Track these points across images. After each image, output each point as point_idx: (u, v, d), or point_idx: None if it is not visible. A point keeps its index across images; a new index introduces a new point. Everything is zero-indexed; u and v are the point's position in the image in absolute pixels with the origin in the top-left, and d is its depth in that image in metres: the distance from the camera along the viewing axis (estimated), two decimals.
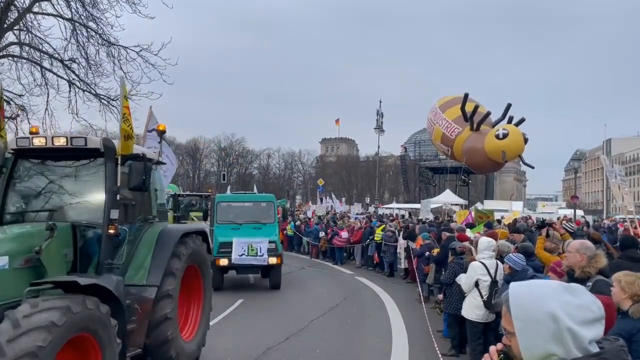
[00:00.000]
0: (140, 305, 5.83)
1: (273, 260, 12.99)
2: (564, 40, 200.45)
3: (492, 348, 1.79)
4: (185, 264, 6.54)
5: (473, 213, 16.74)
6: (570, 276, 4.73)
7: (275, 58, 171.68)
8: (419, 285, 12.73)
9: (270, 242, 13.03)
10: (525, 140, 32.12)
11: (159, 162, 7.42)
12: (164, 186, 9.16)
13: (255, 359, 7.71)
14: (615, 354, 1.55)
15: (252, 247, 12.73)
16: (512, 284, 1.68)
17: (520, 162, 40.11)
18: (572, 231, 10.95)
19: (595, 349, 1.55)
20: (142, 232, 6.31)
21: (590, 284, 4.44)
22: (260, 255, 12.70)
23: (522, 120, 33.50)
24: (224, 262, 12.73)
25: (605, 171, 12.88)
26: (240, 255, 12.67)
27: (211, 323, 9.87)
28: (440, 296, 9.10)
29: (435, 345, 7.66)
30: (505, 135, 30.94)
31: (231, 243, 12.77)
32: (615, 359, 1.54)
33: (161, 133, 8.87)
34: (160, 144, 9.14)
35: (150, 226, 6.47)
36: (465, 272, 7.34)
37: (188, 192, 32.38)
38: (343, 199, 47.65)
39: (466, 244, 8.59)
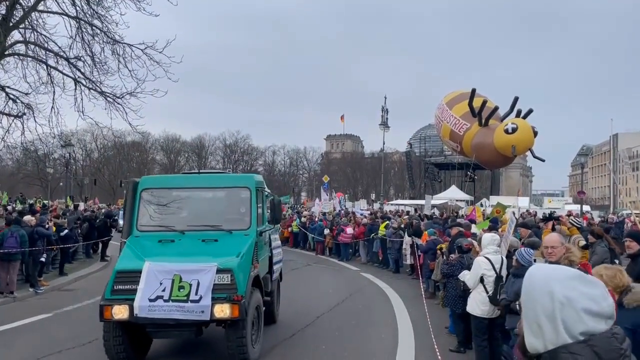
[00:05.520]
0: None
1: (222, 311, 6.43)
2: (569, 34, 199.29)
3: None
4: None
5: (490, 207, 16.65)
6: None
7: (280, 55, 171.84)
8: (421, 281, 12.74)
9: (221, 270, 6.55)
10: (535, 134, 31.98)
11: None
12: None
13: (263, 356, 7.71)
14: (606, 341, 1.54)
15: (180, 281, 6.46)
16: (534, 265, 1.74)
17: (528, 157, 39.98)
18: (579, 226, 10.94)
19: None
20: None
21: None
22: (194, 300, 6.36)
23: (530, 112, 33.31)
24: (120, 312, 6.47)
25: (622, 164, 12.83)
26: (154, 300, 6.39)
27: None
28: (441, 293, 9.11)
29: (441, 341, 7.66)
30: (514, 130, 30.79)
31: (140, 272, 6.56)
32: (605, 346, 1.53)
33: None
34: None
35: None
36: (467, 269, 7.35)
37: None
38: (346, 195, 47.50)
39: (471, 239, 8.59)
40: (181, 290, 6.45)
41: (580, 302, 1.54)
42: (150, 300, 6.40)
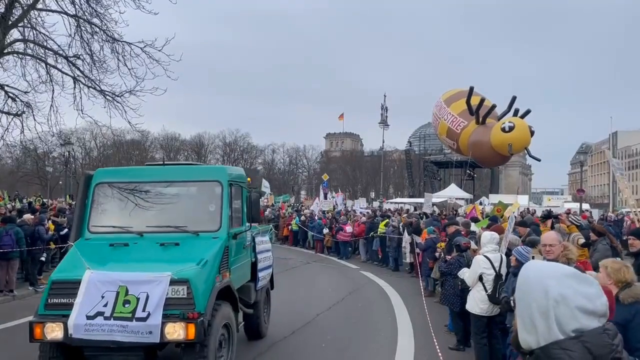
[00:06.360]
0: None
1: (175, 332, 5.37)
2: (569, 32, 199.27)
3: None
4: None
5: (489, 206, 16.69)
6: None
7: (279, 53, 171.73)
8: (420, 279, 12.74)
9: (175, 281, 5.49)
10: (532, 133, 32.05)
11: None
12: None
13: (262, 354, 7.73)
14: (597, 336, 1.55)
15: (126, 294, 5.43)
16: (530, 261, 1.74)
17: (526, 156, 40.02)
18: (579, 224, 10.94)
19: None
20: None
21: None
22: (140, 318, 5.31)
23: (527, 112, 33.39)
24: (52, 331, 5.48)
25: (611, 165, 12.85)
26: (92, 317, 5.36)
27: None
28: (437, 288, 9.12)
29: (441, 339, 7.67)
30: (511, 128, 30.85)
31: (79, 283, 5.53)
32: (596, 342, 1.54)
33: None
34: None
35: None
36: (467, 267, 7.37)
37: None
38: (346, 194, 47.53)
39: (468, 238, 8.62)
40: (126, 305, 5.35)
41: (575, 300, 1.55)
42: (89, 318, 5.33)
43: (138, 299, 5.36)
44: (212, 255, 6.05)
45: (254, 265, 7.82)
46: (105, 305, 5.37)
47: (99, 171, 7.24)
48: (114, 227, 6.62)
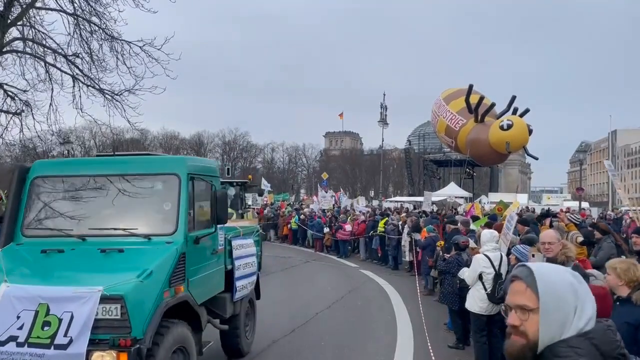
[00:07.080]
0: None
1: None
2: (568, 32, 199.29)
3: None
4: None
5: (488, 204, 16.68)
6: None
7: (279, 52, 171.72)
8: (417, 278, 12.75)
9: (106, 298, 4.42)
10: (530, 132, 32.07)
11: None
12: None
13: (262, 352, 7.74)
14: (603, 333, 1.58)
15: (47, 314, 4.41)
16: (533, 265, 1.71)
17: (525, 154, 40.08)
18: (578, 223, 10.94)
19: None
20: None
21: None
22: (60, 345, 4.26)
23: (526, 111, 33.42)
24: None
25: (609, 172, 12.80)
26: (3, 343, 4.34)
27: None
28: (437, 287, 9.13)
29: (440, 337, 7.67)
30: (509, 126, 30.85)
31: None
32: (602, 338, 1.56)
33: None
34: None
35: None
36: (466, 266, 7.37)
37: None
38: (347, 192, 47.52)
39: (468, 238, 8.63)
40: (45, 328, 4.33)
41: (589, 298, 1.58)
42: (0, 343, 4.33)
43: (60, 321, 4.35)
44: (159, 264, 4.99)
45: (229, 274, 6.79)
46: (20, 328, 4.38)
47: (36, 163, 6.15)
48: (51, 229, 5.61)
